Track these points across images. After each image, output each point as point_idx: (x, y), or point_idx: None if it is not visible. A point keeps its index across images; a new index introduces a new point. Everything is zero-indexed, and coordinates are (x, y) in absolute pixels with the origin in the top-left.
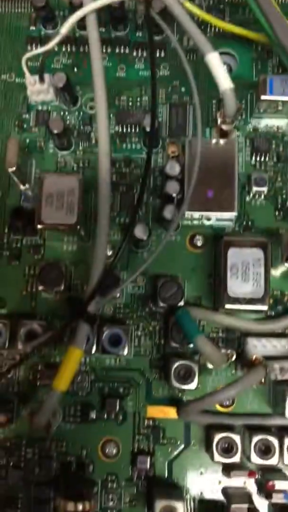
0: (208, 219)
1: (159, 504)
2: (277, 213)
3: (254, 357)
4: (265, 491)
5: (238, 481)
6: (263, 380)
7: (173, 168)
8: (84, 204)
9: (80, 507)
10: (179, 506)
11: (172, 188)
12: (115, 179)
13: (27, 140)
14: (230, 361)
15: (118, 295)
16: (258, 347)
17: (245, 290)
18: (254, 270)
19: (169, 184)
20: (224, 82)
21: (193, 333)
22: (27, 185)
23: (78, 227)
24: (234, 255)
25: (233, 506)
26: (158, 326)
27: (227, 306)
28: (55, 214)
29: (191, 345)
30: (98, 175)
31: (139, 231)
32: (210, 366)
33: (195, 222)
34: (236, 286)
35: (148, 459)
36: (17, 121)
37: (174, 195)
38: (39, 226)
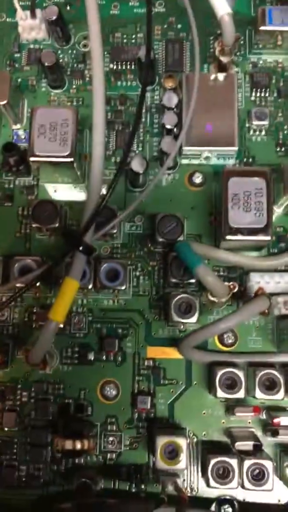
0: (207, 157)
1: (161, 441)
2: (278, 148)
3: (257, 287)
4: (271, 428)
5: (243, 419)
6: (266, 311)
7: (171, 100)
8: (78, 145)
9: (78, 445)
10: (182, 442)
11: (169, 119)
12: (110, 117)
13: (19, 80)
14: (232, 293)
15: (115, 230)
16: (261, 284)
17: (247, 220)
18: (256, 199)
19: (166, 115)
20: (222, 7)
21: (194, 262)
22: (18, 125)
23: (73, 162)
24: (235, 185)
25: (238, 443)
26: (157, 265)
27: (229, 237)
28: (48, 146)
29: (191, 280)
30: (92, 108)
31: (136, 164)
32: (212, 298)
33: (194, 160)
34: (238, 216)
35: (149, 399)
36: (9, 61)
37: (171, 127)
38: (31, 159)
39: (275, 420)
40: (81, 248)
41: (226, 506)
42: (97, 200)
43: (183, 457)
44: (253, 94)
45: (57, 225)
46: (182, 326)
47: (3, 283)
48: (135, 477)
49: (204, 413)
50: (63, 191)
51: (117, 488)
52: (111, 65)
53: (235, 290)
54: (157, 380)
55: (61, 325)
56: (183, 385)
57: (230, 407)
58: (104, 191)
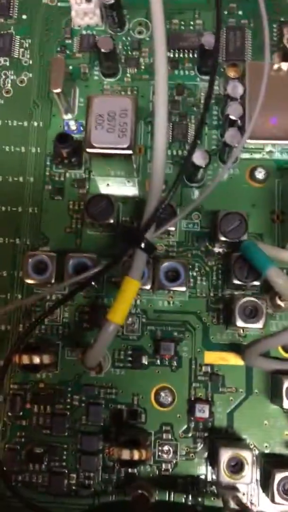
0: (270, 151)
1: (225, 454)
2: None
3: None
4: None
5: None
6: None
7: (236, 89)
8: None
9: (136, 455)
10: (247, 455)
11: (235, 110)
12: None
13: (70, 67)
14: None
15: (173, 228)
16: None
17: None
18: None
19: (231, 106)
20: None
21: (266, 263)
22: (69, 115)
23: (132, 154)
24: None
25: None
26: (216, 266)
27: None
28: (106, 137)
29: (256, 283)
30: (154, 99)
31: (198, 158)
32: (280, 302)
33: (256, 155)
34: None
35: (208, 407)
36: (60, 47)
37: (236, 118)
38: (88, 151)
39: None
40: (142, 245)
41: None
42: (159, 196)
43: (248, 471)
44: None
45: (112, 221)
46: (242, 331)
47: (57, 280)
48: (191, 489)
49: (265, 424)
50: (115, 186)
51: (173, 501)
52: (168, 53)
53: None
54: (215, 387)
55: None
56: (243, 394)
57: None
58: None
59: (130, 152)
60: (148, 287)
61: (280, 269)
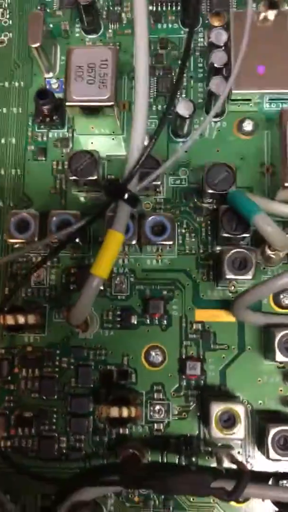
0: (258, 102)
1: (217, 408)
2: None
3: None
4: None
5: None
6: None
7: (219, 37)
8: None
9: (125, 412)
10: (240, 409)
11: (219, 58)
12: (150, 62)
13: (51, 25)
14: None
15: (159, 182)
16: None
17: None
18: None
19: (215, 54)
20: None
21: (253, 210)
22: (51, 73)
23: (114, 106)
24: None
25: None
26: (205, 222)
27: None
28: (87, 89)
29: (245, 235)
30: (134, 50)
31: (182, 108)
32: (270, 252)
33: (244, 107)
34: None
35: (199, 365)
36: (39, 5)
37: (220, 66)
38: (68, 104)
39: None
40: (125, 197)
41: (285, 481)
42: (141, 146)
43: (241, 425)
44: None
45: (95, 177)
46: (233, 287)
47: (40, 239)
48: (185, 449)
49: (259, 381)
50: (100, 144)
51: (166, 461)
52: (151, 7)
53: None
54: (207, 345)
55: (101, 287)
56: (236, 350)
57: None
58: (146, 141)
59: (111, 103)
60: (134, 242)
61: (269, 217)
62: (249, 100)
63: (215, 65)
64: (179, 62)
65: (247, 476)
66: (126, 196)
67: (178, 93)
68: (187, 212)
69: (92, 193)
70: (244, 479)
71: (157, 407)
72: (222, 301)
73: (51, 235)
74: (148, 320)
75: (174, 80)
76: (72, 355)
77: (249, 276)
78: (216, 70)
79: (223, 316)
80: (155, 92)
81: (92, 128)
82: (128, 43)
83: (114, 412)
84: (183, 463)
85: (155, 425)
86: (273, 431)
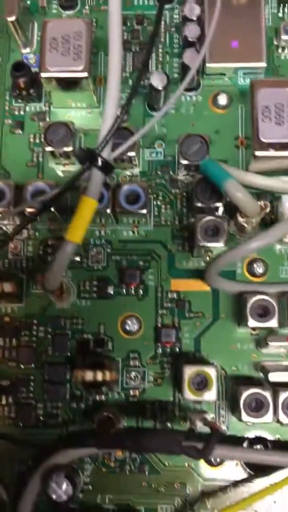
0: (232, 76)
1: (188, 370)
2: None
3: None
4: None
5: (276, 352)
6: None
7: (192, 10)
8: (93, 67)
9: (99, 376)
10: (211, 371)
11: (191, 31)
12: (126, 37)
13: (28, 2)
14: (264, 213)
15: (133, 153)
16: None
17: (279, 134)
18: None
19: (188, 27)
20: None
21: (223, 177)
22: (28, 49)
23: (88, 77)
24: (265, 97)
25: (271, 374)
26: (180, 194)
27: (259, 153)
28: (61, 61)
29: (218, 204)
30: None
31: (156, 79)
32: (242, 220)
33: (218, 81)
34: (269, 130)
35: (174, 332)
36: None
37: (193, 39)
38: (43, 75)
39: None
40: (98, 164)
41: (259, 446)
42: (114, 113)
43: (213, 387)
44: (281, 9)
45: (71, 148)
46: (208, 258)
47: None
48: (160, 415)
49: (233, 347)
50: (76, 118)
51: (141, 426)
52: None
53: (267, 210)
54: (182, 313)
55: (78, 259)
56: (210, 319)
57: (262, 340)
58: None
59: (85, 74)
60: (108, 210)
61: (240, 184)
62: (224, 74)
63: (188, 38)
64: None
65: (218, 434)
66: (99, 163)
67: (154, 68)
68: (163, 185)
69: (69, 166)
70: (214, 437)
71: (133, 374)
72: (197, 271)
73: (26, 203)
74: (124, 290)
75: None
76: (49, 325)
77: (221, 244)
78: (190, 43)
79: (198, 286)
80: (131, 67)
81: (69, 102)
82: (105, 19)
83: (88, 376)
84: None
85: (131, 391)
86: (245, 394)
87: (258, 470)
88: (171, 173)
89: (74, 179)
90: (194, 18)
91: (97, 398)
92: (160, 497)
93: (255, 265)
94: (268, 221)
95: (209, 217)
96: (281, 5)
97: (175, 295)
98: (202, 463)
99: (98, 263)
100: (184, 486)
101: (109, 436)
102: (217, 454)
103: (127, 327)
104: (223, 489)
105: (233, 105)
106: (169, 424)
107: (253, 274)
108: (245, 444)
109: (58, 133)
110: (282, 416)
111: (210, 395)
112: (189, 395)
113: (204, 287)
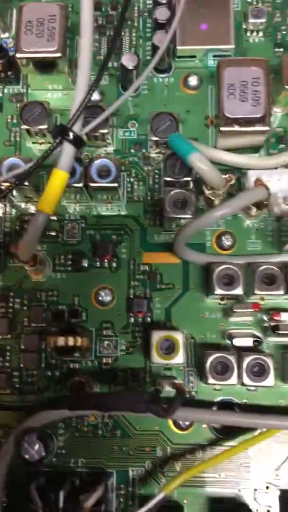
0: (203, 58)
1: (156, 335)
2: (276, 49)
3: (255, 178)
4: (271, 325)
5: (242, 320)
6: (264, 202)
7: None
8: (69, 52)
9: (71, 341)
10: (179, 336)
11: (161, 13)
12: (101, 22)
13: None
14: (229, 185)
15: (106, 130)
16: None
17: (243, 110)
18: (253, 89)
19: (158, 10)
20: None
21: (188, 150)
22: (7, 34)
23: (61, 58)
24: (231, 75)
25: (236, 339)
26: (152, 170)
27: (224, 128)
28: (36, 42)
29: (187, 178)
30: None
31: (127, 60)
32: (208, 192)
33: (189, 63)
34: (234, 106)
35: (145, 302)
36: None
37: (163, 21)
38: (18, 56)
39: (276, 317)
40: (70, 137)
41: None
42: (85, 88)
43: (180, 351)
44: None
45: (46, 126)
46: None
47: None
48: (131, 381)
49: (201, 317)
50: (53, 99)
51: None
52: None
53: (232, 182)
54: (153, 285)
55: (54, 233)
56: (180, 290)
57: (229, 310)
58: (97, 96)
59: (59, 55)
60: (81, 184)
61: (204, 156)
62: (194, 56)
63: (159, 20)
64: (129, 22)
65: (183, 394)
66: (70, 136)
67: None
68: (135, 162)
69: (46, 144)
70: (179, 397)
71: (106, 343)
72: (168, 245)
73: (0, 177)
74: (98, 263)
75: (124, 39)
76: (25, 297)
77: (188, 215)
78: (160, 25)
79: (169, 259)
80: (105, 51)
81: (46, 84)
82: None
83: (60, 341)
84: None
85: (104, 359)
86: (211, 358)
87: (225, 433)
88: (143, 151)
89: (47, 153)
90: (164, 1)
91: (71, 366)
92: (131, 461)
93: (223, 238)
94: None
95: (177, 190)
96: None
97: (147, 268)
98: (171, 427)
99: (73, 238)
100: (154, 449)
101: (78, 397)
102: (181, 415)
103: (101, 298)
104: (192, 451)
105: (203, 86)
106: (139, 390)
107: (221, 247)
108: (214, 408)
109: (34, 112)
110: (246, 379)
111: (178, 358)
112: (157, 359)
113: (174, 259)
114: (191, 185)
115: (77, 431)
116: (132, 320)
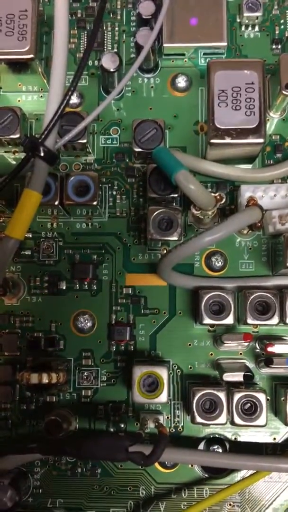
0: (192, 56)
1: (138, 371)
2: (274, 46)
3: (249, 197)
4: (264, 358)
5: (233, 349)
6: (258, 224)
7: None
8: (45, 48)
9: (45, 378)
10: (163, 372)
11: (146, 8)
12: (80, 15)
13: None
14: (219, 204)
15: (84, 140)
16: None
17: (236, 120)
18: (246, 96)
19: (142, 4)
20: None
21: (174, 167)
22: None
23: (34, 59)
24: (222, 80)
25: (226, 374)
26: (136, 183)
27: (214, 140)
28: (5, 42)
29: (174, 195)
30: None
31: (107, 61)
32: (196, 212)
33: (178, 62)
34: (226, 115)
35: (127, 329)
36: None
37: (148, 16)
38: None
39: (269, 349)
40: (41, 154)
41: (216, 446)
42: (60, 98)
43: (164, 389)
44: None
45: (18, 135)
46: (165, 251)
47: None
48: (113, 416)
49: (189, 345)
50: (27, 102)
51: (94, 428)
52: None
53: (222, 201)
54: (137, 309)
55: (28, 253)
56: (166, 315)
57: (219, 337)
58: (76, 100)
59: (30, 56)
60: (56, 202)
61: (191, 173)
62: (183, 54)
63: (143, 16)
64: (111, 15)
65: (165, 439)
66: (41, 153)
67: (110, 48)
68: (118, 173)
69: (20, 153)
70: (161, 443)
71: (85, 374)
72: (153, 265)
73: None
74: (77, 286)
75: (106, 34)
76: None
77: (175, 238)
78: (144, 21)
79: (154, 281)
80: (85, 46)
81: (20, 85)
82: None
83: (34, 379)
84: (111, 430)
85: (83, 391)
86: (198, 394)
87: (212, 470)
88: (127, 160)
89: (16, 170)
90: None
91: (48, 399)
92: (112, 501)
93: (213, 259)
94: (228, 212)
95: (162, 209)
96: None
97: (130, 291)
98: (155, 465)
99: (50, 258)
100: (137, 488)
101: (52, 443)
102: (165, 457)
103: (80, 325)
104: (177, 491)
105: (193, 88)
106: (122, 425)
107: (211, 268)
108: (201, 446)
109: (4, 119)
110: (236, 418)
111: (162, 397)
112: (138, 397)
113: (160, 282)
114: (178, 201)
115: (55, 469)
116: (113, 348)
